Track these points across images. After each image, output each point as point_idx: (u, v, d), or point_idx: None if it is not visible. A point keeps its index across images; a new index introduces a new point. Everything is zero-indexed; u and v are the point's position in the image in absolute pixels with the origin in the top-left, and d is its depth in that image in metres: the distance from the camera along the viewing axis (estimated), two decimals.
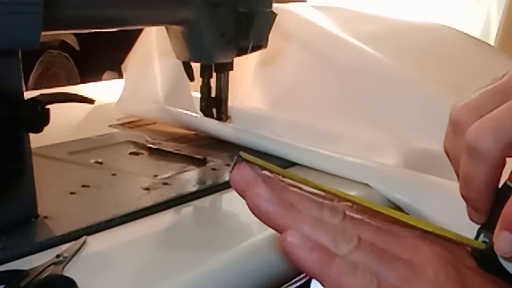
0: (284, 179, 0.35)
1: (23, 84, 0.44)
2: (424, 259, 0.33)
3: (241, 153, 0.34)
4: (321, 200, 0.35)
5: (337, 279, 0.32)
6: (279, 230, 0.33)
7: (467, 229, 0.55)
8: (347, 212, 0.34)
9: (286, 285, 0.49)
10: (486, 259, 0.34)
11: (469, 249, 0.35)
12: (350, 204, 0.35)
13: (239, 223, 0.52)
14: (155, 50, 0.79)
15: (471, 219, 0.35)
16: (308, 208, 0.34)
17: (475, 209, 0.35)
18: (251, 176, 0.34)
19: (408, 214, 0.34)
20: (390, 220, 0.34)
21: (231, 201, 0.57)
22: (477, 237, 0.35)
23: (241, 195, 0.34)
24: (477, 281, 0.33)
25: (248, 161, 0.34)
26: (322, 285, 0.33)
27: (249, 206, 0.34)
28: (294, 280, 0.50)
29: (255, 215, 0.34)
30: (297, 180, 0.35)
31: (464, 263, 0.34)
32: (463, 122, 0.34)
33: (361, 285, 0.32)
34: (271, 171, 0.35)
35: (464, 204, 0.42)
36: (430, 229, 0.34)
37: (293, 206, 0.34)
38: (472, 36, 0.88)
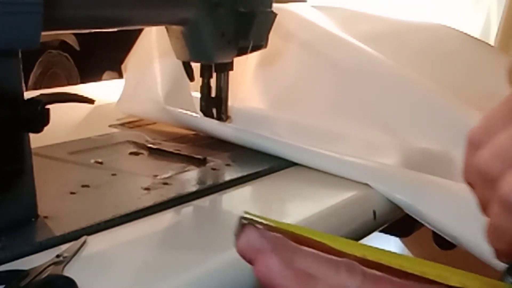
0: (294, 234, 0.32)
1: (23, 84, 0.44)
2: None
3: (245, 212, 0.32)
4: (335, 258, 0.31)
5: None
6: None
7: (468, 228, 0.55)
8: (366, 270, 0.31)
9: None
10: None
11: None
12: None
13: None
14: (155, 50, 0.79)
15: (499, 260, 0.33)
16: (325, 274, 0.31)
17: (505, 257, 0.32)
18: (259, 243, 0.31)
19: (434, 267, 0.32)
20: (412, 275, 0.31)
21: (231, 201, 0.57)
22: (502, 279, 0.33)
23: (248, 263, 0.31)
24: None
25: (252, 221, 0.32)
26: None
27: (258, 277, 0.31)
28: None
29: (267, 285, 0.30)
30: (306, 234, 0.32)
31: None
32: (479, 142, 0.32)
33: None
34: (278, 230, 0.31)
35: (465, 204, 0.42)
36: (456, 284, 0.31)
37: (309, 275, 0.31)
38: (472, 36, 0.88)
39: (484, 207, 0.32)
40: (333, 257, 0.31)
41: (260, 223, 0.31)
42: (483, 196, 0.32)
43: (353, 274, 0.31)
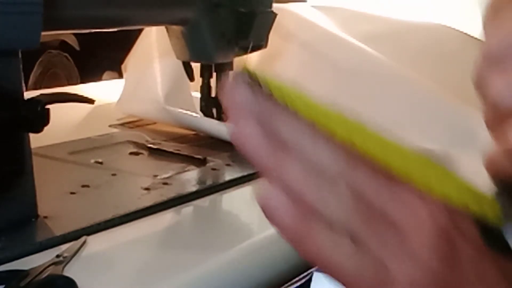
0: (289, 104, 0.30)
1: (23, 84, 0.44)
2: (414, 224, 0.30)
3: (245, 68, 0.29)
4: (321, 136, 0.30)
5: (316, 254, 0.30)
6: (262, 173, 0.30)
7: None
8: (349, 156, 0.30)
9: (286, 285, 0.49)
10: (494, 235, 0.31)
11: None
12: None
13: (239, 223, 0.52)
14: (155, 50, 0.79)
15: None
16: (306, 149, 0.30)
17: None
18: (246, 105, 0.29)
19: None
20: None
21: (231, 201, 0.57)
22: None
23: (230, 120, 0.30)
24: (471, 260, 0.31)
25: (253, 79, 0.29)
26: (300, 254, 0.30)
27: (232, 140, 0.29)
28: (294, 280, 0.50)
29: (240, 150, 0.29)
30: (301, 107, 0.30)
31: (464, 234, 0.31)
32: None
33: (339, 259, 0.30)
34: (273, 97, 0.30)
35: None
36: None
37: (285, 148, 0.29)
38: (472, 36, 0.88)
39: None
40: (319, 135, 0.30)
41: (258, 84, 0.29)
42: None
43: (335, 156, 0.30)
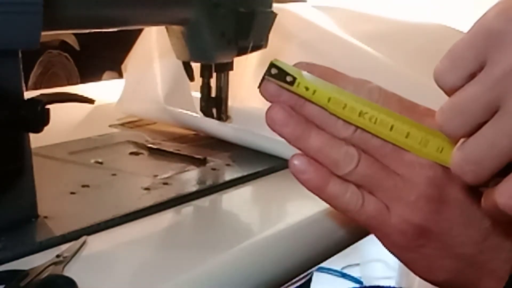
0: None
1: (23, 84, 0.44)
2: (413, 180, 0.39)
3: (274, 60, 0.40)
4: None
5: (330, 199, 0.41)
6: (292, 142, 0.40)
7: None
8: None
9: (286, 285, 0.49)
10: None
11: None
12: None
13: (239, 223, 0.52)
14: (155, 50, 0.79)
15: None
16: (323, 122, 0.40)
17: None
18: (274, 91, 0.40)
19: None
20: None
21: (231, 201, 0.57)
22: None
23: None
24: (460, 205, 0.39)
25: (280, 71, 0.41)
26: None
27: (267, 120, 0.40)
28: (294, 280, 0.50)
29: (272, 128, 0.40)
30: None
31: (455, 183, 0.39)
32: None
33: (348, 204, 0.40)
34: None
35: None
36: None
37: (308, 122, 0.40)
38: None
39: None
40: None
41: (285, 80, 0.40)
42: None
43: (347, 126, 0.40)
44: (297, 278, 0.49)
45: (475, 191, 0.38)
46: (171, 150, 0.66)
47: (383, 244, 0.42)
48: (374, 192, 0.40)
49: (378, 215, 0.40)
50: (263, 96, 0.41)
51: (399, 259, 0.43)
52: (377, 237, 0.42)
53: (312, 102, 0.40)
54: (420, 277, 0.43)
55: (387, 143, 0.39)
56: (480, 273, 0.41)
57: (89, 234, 0.45)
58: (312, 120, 0.40)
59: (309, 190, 0.41)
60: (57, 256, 0.41)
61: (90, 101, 0.50)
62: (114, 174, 0.58)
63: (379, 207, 0.40)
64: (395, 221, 0.39)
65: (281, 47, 0.81)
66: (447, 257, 0.40)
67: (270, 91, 0.41)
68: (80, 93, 0.50)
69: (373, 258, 1.71)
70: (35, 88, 2.17)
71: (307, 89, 0.40)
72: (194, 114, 0.72)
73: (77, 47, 2.38)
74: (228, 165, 0.63)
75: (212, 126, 0.70)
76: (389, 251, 0.43)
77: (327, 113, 0.39)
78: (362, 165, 0.39)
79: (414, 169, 0.39)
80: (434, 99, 0.70)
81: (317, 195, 0.41)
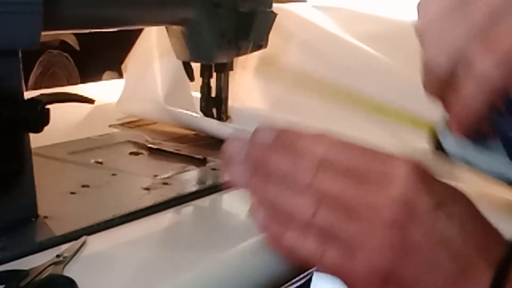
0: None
1: (23, 84, 0.44)
2: (375, 224, 0.37)
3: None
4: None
5: (287, 251, 0.39)
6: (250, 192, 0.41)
7: None
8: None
9: (286, 285, 0.49)
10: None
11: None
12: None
13: (239, 223, 0.52)
14: (155, 50, 0.79)
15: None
16: (282, 175, 0.39)
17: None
18: (234, 152, 0.41)
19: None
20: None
21: (231, 201, 0.57)
22: None
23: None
24: (425, 245, 0.37)
25: None
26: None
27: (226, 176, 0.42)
28: (294, 280, 0.50)
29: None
30: None
31: (417, 226, 0.37)
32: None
33: (308, 254, 0.39)
34: None
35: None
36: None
37: (267, 173, 0.40)
38: None
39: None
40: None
41: None
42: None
43: (306, 175, 0.38)
44: (297, 278, 0.49)
45: (440, 231, 0.37)
46: (171, 150, 0.66)
47: None
48: (336, 240, 0.38)
49: (342, 263, 0.38)
50: (224, 154, 0.41)
51: None
52: (345, 284, 0.40)
53: None
54: None
55: (347, 188, 0.38)
56: None
57: (89, 234, 0.45)
58: (272, 172, 0.40)
59: (269, 243, 0.40)
60: (57, 256, 0.41)
61: (90, 101, 0.50)
62: (114, 174, 0.58)
63: (342, 255, 0.38)
64: (360, 268, 0.37)
65: (281, 47, 0.81)
66: None
67: (234, 148, 0.41)
68: (80, 93, 0.50)
69: None
70: (35, 88, 2.17)
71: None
72: (194, 114, 0.72)
73: (77, 47, 2.38)
74: None
75: (212, 126, 0.70)
76: None
77: (288, 164, 0.39)
78: (320, 214, 0.38)
79: (375, 212, 0.37)
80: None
81: (274, 247, 0.40)
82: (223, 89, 0.71)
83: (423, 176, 0.39)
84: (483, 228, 0.38)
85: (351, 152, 0.40)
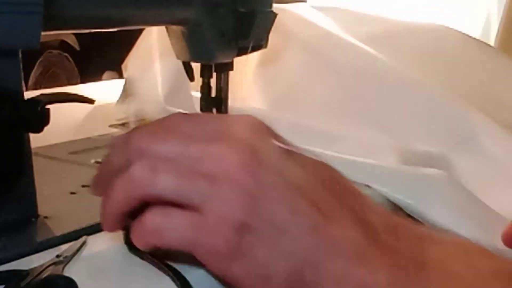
0: None
1: (23, 84, 0.44)
2: (223, 171, 0.34)
3: None
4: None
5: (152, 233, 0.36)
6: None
7: (470, 227, 0.55)
8: None
9: None
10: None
11: None
12: None
13: None
14: (155, 50, 0.79)
15: None
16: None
17: None
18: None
19: None
20: None
21: None
22: None
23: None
24: (277, 188, 0.34)
25: None
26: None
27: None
28: None
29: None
30: None
31: (268, 168, 0.35)
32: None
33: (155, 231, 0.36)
34: None
35: (466, 203, 0.42)
36: None
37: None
38: (472, 37, 0.88)
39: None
40: None
41: None
42: None
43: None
44: None
45: (294, 176, 0.35)
46: None
47: (207, 263, 0.36)
48: (185, 203, 0.35)
49: (190, 224, 0.34)
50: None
51: (227, 279, 0.36)
52: (198, 258, 0.36)
53: None
54: None
55: (190, 145, 0.35)
56: (319, 277, 0.33)
57: (89, 234, 0.45)
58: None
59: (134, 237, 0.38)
60: (57, 256, 0.41)
61: (90, 101, 0.50)
62: None
63: (190, 216, 0.34)
64: (211, 224, 0.34)
65: (281, 46, 0.81)
66: (279, 258, 0.33)
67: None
68: (80, 93, 0.50)
69: None
70: (35, 88, 2.17)
71: None
72: None
73: (77, 47, 2.38)
74: None
75: None
76: (214, 271, 0.36)
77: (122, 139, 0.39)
78: (162, 177, 0.35)
79: (221, 160, 0.34)
80: (434, 100, 0.70)
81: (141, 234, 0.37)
82: (223, 89, 0.71)
83: (267, 127, 0.38)
84: (337, 177, 0.37)
85: (194, 119, 0.38)
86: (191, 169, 0.34)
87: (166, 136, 0.36)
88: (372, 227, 0.35)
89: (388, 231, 0.35)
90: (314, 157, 0.37)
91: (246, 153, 0.34)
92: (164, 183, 0.35)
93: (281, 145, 0.36)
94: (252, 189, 0.33)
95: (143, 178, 0.35)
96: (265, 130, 0.38)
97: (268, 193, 0.34)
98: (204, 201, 0.34)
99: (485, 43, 0.90)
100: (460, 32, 0.88)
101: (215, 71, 0.70)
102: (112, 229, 0.39)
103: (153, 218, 0.35)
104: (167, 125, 0.37)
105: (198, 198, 0.34)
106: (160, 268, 0.40)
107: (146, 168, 0.35)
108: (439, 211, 0.56)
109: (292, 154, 0.36)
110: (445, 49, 0.84)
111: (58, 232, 0.45)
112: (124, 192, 0.36)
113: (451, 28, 0.88)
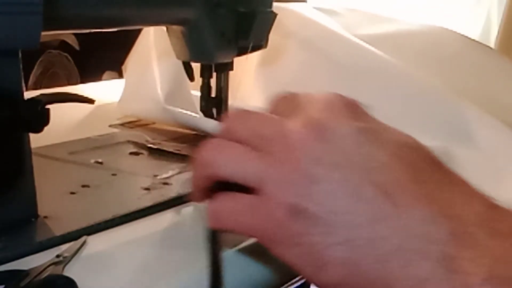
0: None
1: (23, 84, 0.44)
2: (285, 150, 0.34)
3: None
4: None
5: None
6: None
7: None
8: None
9: (286, 285, 0.49)
10: None
11: None
12: None
13: None
14: (155, 50, 0.79)
15: None
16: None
17: None
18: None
19: None
20: None
21: None
22: None
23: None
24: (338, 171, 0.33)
25: None
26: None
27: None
28: (294, 280, 0.50)
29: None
30: None
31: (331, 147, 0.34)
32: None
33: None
34: None
35: None
36: None
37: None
38: (472, 39, 0.88)
39: None
40: None
41: None
42: None
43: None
44: (297, 278, 0.49)
45: (365, 157, 0.32)
46: (171, 150, 0.66)
47: (267, 248, 0.34)
48: (247, 184, 0.34)
49: (248, 208, 0.34)
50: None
51: (285, 262, 0.34)
52: (260, 242, 0.35)
53: None
54: (312, 280, 0.33)
55: (263, 127, 0.36)
56: (387, 274, 0.29)
57: (89, 234, 0.45)
58: None
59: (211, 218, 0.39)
60: (57, 256, 0.41)
61: (90, 101, 0.50)
62: (114, 174, 0.58)
63: (248, 200, 0.34)
64: (265, 208, 0.32)
65: (282, 45, 0.81)
66: (336, 244, 0.30)
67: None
68: (80, 93, 0.50)
69: None
70: (35, 88, 2.17)
71: None
72: (194, 114, 0.72)
73: (77, 47, 2.38)
74: None
75: (212, 126, 0.70)
76: (275, 256, 0.34)
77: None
78: (223, 158, 0.36)
79: (286, 137, 0.33)
80: (433, 94, 0.70)
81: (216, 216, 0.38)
82: (223, 89, 0.71)
83: (349, 104, 0.37)
84: (429, 160, 0.33)
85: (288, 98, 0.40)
86: (261, 149, 0.34)
87: (250, 116, 0.37)
88: (459, 221, 0.30)
89: (483, 226, 0.30)
90: (404, 137, 0.34)
91: (312, 132, 0.32)
92: (224, 164, 0.35)
93: (361, 124, 0.34)
94: (311, 169, 0.31)
95: (207, 158, 0.36)
96: (343, 108, 0.35)
97: (329, 174, 0.31)
98: (263, 182, 0.33)
99: (485, 45, 0.90)
100: (459, 34, 0.88)
101: (215, 71, 0.70)
102: (198, 201, 0.41)
103: (213, 202, 0.37)
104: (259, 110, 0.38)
105: (257, 180, 0.33)
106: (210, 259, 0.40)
107: (212, 149, 0.36)
108: None
109: (372, 133, 0.34)
110: (445, 51, 0.84)
111: (58, 232, 0.45)
112: (195, 171, 0.38)
113: (451, 30, 0.88)
